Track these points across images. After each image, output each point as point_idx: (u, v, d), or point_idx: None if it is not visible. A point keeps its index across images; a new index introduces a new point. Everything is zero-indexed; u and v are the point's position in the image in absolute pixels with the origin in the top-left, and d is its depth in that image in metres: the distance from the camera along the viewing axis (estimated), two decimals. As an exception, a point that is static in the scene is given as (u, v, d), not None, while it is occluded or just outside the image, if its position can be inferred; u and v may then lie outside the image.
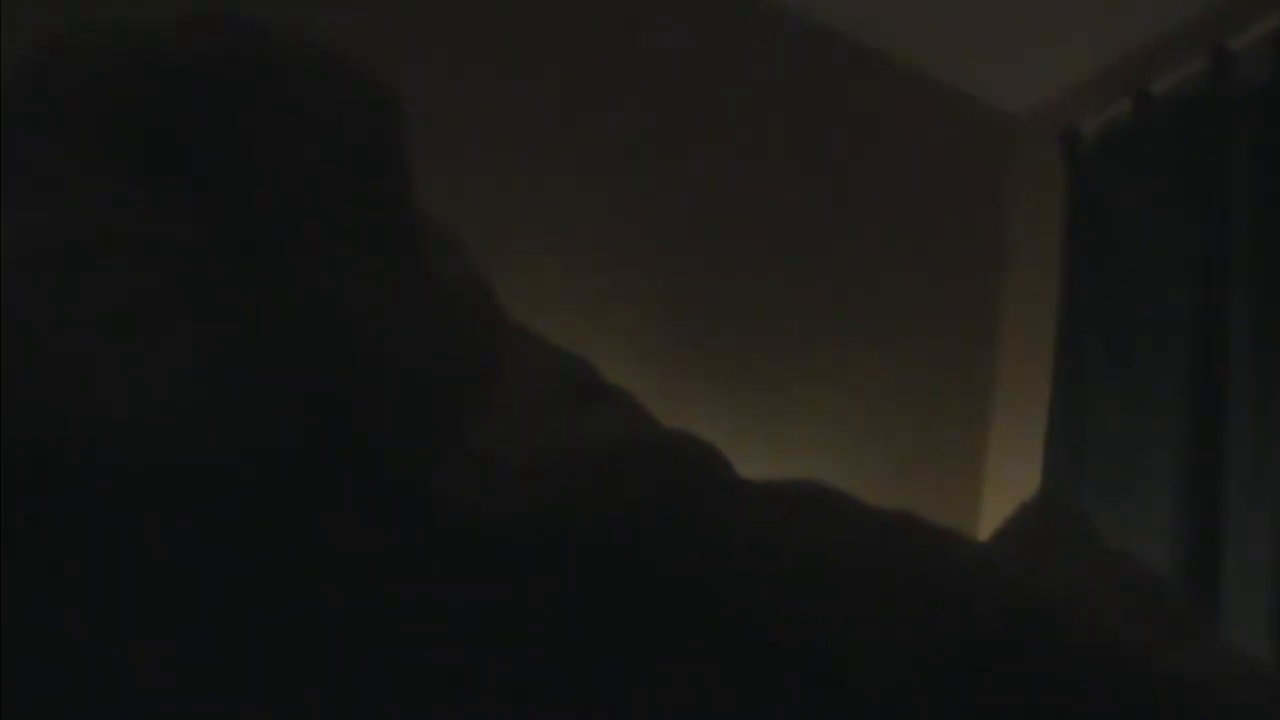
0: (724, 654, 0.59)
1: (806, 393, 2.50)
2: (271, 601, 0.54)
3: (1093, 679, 0.64)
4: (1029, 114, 2.86)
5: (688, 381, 2.38)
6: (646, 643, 0.58)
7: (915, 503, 2.47)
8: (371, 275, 0.64)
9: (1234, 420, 1.99)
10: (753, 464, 2.34)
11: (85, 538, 0.52)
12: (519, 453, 0.64)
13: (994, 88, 2.84)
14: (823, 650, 0.60)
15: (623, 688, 0.57)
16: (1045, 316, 2.56)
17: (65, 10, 1.11)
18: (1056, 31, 2.65)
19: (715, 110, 2.57)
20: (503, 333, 0.81)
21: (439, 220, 0.84)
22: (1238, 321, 2.04)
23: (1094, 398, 2.27)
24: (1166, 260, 2.23)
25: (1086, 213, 2.46)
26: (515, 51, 2.39)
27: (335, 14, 2.11)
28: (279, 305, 0.60)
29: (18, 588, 0.51)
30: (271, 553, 0.55)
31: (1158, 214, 2.29)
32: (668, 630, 0.59)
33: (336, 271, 0.63)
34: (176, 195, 0.64)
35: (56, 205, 0.61)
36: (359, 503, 0.57)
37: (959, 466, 2.62)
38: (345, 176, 0.67)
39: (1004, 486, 2.56)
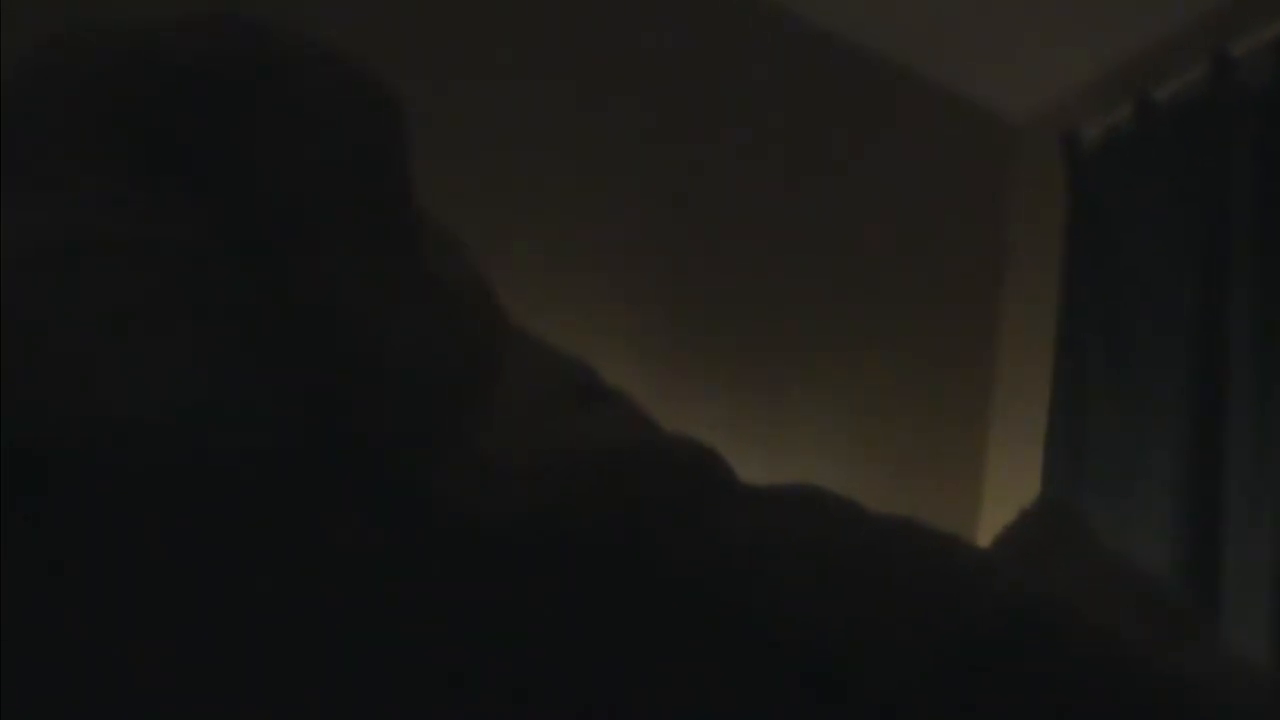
0: (724, 654, 0.59)
1: (806, 395, 2.50)
2: (271, 601, 0.54)
3: (1092, 680, 0.64)
4: (1030, 117, 2.87)
5: (687, 383, 2.38)
6: (646, 643, 0.58)
7: (916, 502, 2.47)
8: (371, 275, 0.64)
9: (1234, 421, 1.99)
10: (752, 465, 2.34)
11: (85, 538, 0.52)
12: (519, 453, 0.64)
13: (995, 91, 2.84)
14: (822, 650, 0.60)
15: (623, 688, 0.57)
16: (1045, 319, 2.56)
17: (65, 10, 1.11)
18: (1057, 35, 2.65)
19: (716, 112, 2.57)
20: (503, 333, 0.81)
21: (439, 220, 0.84)
22: (1238, 324, 2.04)
23: (1094, 399, 2.27)
24: (1167, 263, 2.23)
25: (1087, 216, 2.47)
26: (515, 51, 2.39)
27: (335, 14, 2.11)
28: (279, 305, 0.60)
29: (18, 588, 0.51)
30: (271, 552, 0.55)
31: (1158, 218, 2.29)
32: (667, 630, 0.59)
33: (336, 272, 0.63)
34: (176, 195, 0.64)
35: (57, 205, 0.61)
36: (359, 502, 0.57)
37: (959, 467, 2.62)
38: (345, 176, 0.67)
39: (1004, 487, 2.56)
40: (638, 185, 2.45)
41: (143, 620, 0.52)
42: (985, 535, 2.53)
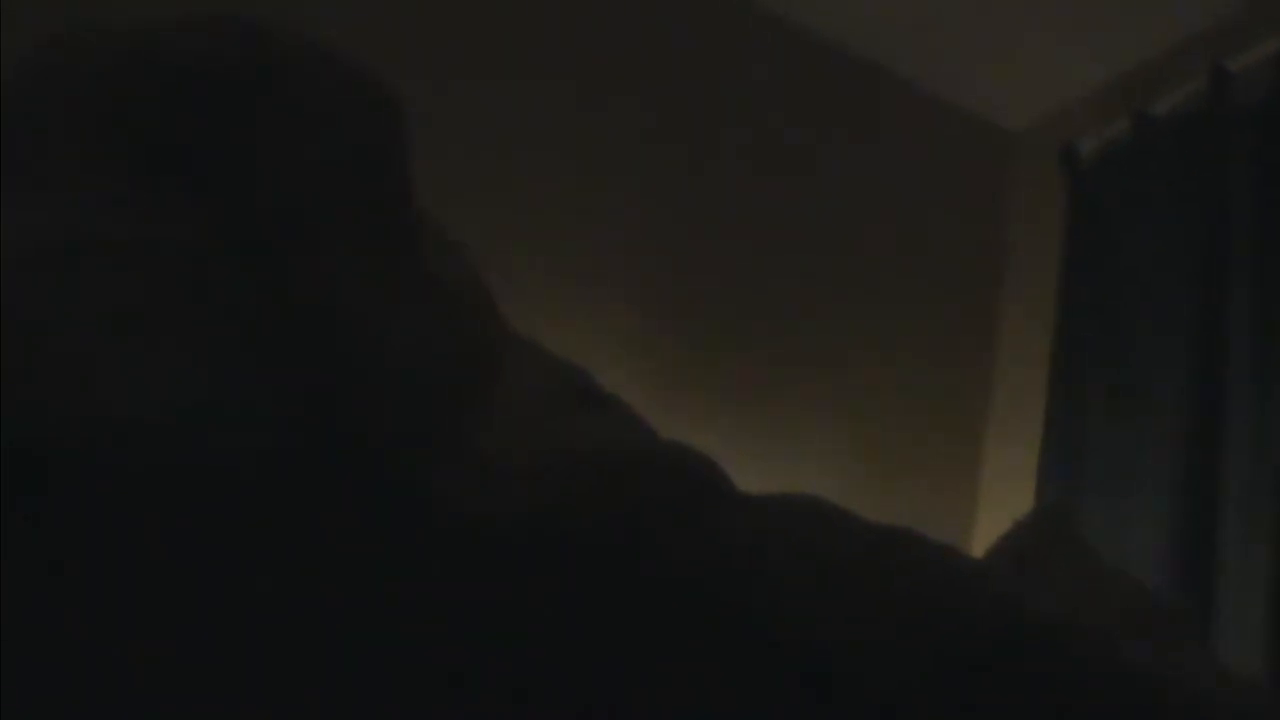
0: (723, 654, 0.59)
1: (804, 399, 2.50)
2: (271, 601, 0.54)
3: (1087, 683, 0.64)
4: (1029, 128, 2.87)
5: (683, 388, 2.37)
6: (646, 643, 0.58)
7: (912, 506, 2.47)
8: (371, 276, 0.64)
9: (1231, 427, 1.99)
10: (749, 470, 2.34)
11: (85, 538, 0.52)
12: (518, 453, 0.64)
13: (995, 101, 2.84)
14: (821, 651, 0.60)
15: (623, 688, 0.57)
16: (1042, 326, 2.57)
17: (65, 10, 1.11)
18: (1057, 47, 2.65)
19: (716, 117, 2.57)
20: (502, 335, 0.81)
21: (439, 221, 0.84)
22: (1236, 333, 2.05)
23: (1091, 406, 2.27)
24: (1165, 274, 2.24)
25: (1085, 226, 2.48)
26: (515, 51, 2.39)
27: (335, 14, 2.11)
28: (278, 305, 0.60)
29: (18, 588, 0.51)
30: (271, 553, 0.55)
31: (1156, 229, 2.30)
32: (667, 631, 0.59)
33: (336, 272, 0.63)
34: (177, 196, 0.64)
35: (57, 205, 0.61)
36: (358, 502, 0.57)
37: (955, 471, 2.62)
38: (346, 177, 0.67)
39: (1000, 492, 2.56)
40: (637, 189, 2.45)
41: (143, 620, 0.52)
42: (981, 538, 2.53)
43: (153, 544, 0.53)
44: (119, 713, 0.51)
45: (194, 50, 0.68)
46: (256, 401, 0.57)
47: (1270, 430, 1.93)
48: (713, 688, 0.58)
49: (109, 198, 0.63)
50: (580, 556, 0.59)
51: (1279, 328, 2.00)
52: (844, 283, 2.61)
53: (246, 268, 0.61)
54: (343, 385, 0.59)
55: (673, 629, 0.59)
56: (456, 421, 0.64)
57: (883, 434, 2.55)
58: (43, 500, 0.52)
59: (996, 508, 2.53)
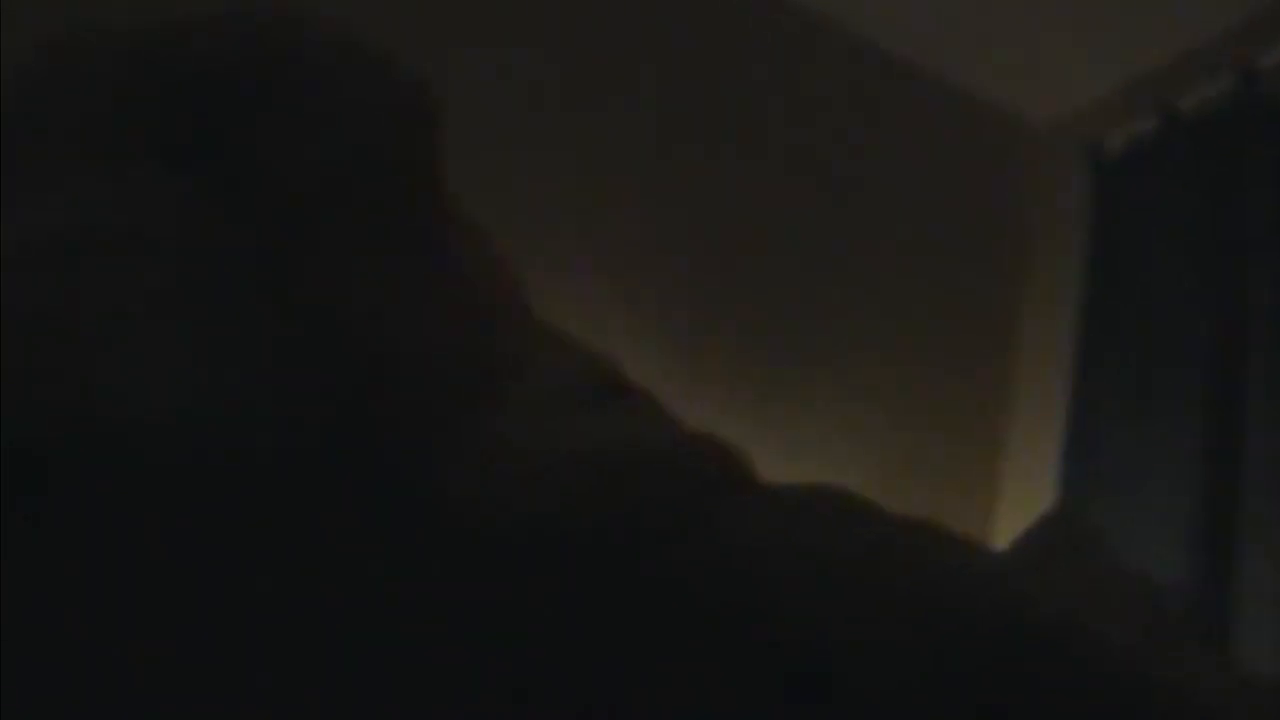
0: (722, 655, 0.59)
1: (825, 398, 2.50)
2: (271, 601, 0.54)
3: (1093, 687, 0.64)
4: (1053, 126, 2.87)
5: (707, 389, 2.38)
6: (647, 643, 0.58)
7: (931, 507, 2.48)
8: (379, 275, 0.64)
9: (1252, 429, 1.99)
10: (766, 471, 2.34)
11: (85, 538, 0.52)
12: (525, 453, 0.64)
13: (1019, 99, 2.84)
14: (820, 651, 0.60)
15: (623, 688, 0.57)
16: (1063, 325, 2.56)
17: (65, 10, 1.11)
18: (1083, 44, 2.65)
19: (730, 116, 2.57)
20: (525, 329, 0.80)
21: (467, 211, 0.83)
22: (1257, 334, 2.04)
23: (1112, 406, 2.27)
24: (1187, 272, 2.23)
25: (1109, 224, 2.47)
26: (516, 52, 2.39)
27: (335, 12, 2.11)
28: (285, 304, 0.60)
29: (18, 588, 0.51)
30: (271, 553, 0.55)
31: (1180, 227, 2.29)
32: (667, 631, 0.59)
33: (342, 271, 0.63)
34: (183, 193, 0.64)
35: (59, 205, 0.61)
36: (359, 503, 0.57)
37: (976, 473, 2.62)
38: (361, 173, 0.67)
39: (1020, 495, 2.56)
40: (667, 189, 2.45)
41: (143, 620, 0.52)
42: (1001, 539, 2.53)
43: (153, 544, 0.53)
44: (119, 713, 0.51)
45: (208, 43, 0.68)
46: (259, 400, 0.57)
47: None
48: (712, 688, 0.58)
49: (113, 196, 0.62)
50: (579, 557, 0.59)
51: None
52: (863, 280, 2.61)
53: (252, 266, 0.61)
54: (347, 385, 0.59)
55: (672, 629, 0.59)
56: (461, 422, 0.64)
57: (902, 434, 2.55)
58: (43, 500, 0.52)
59: (1016, 508, 2.53)
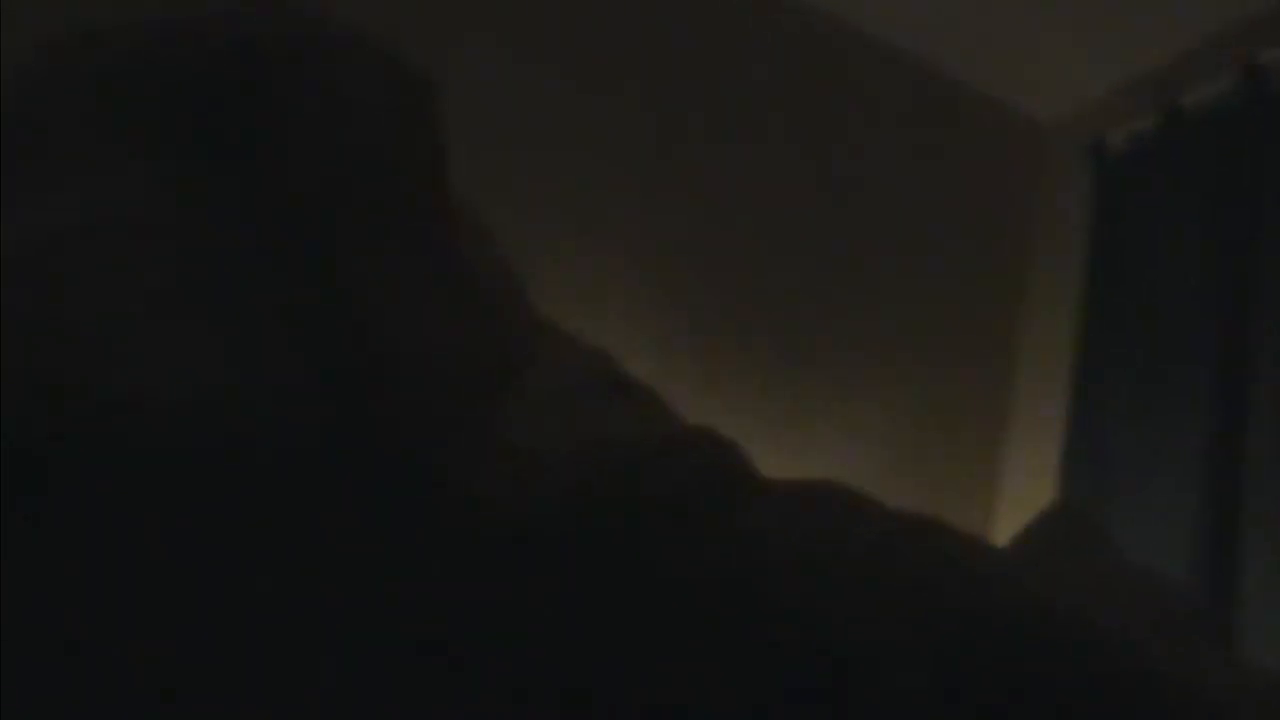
0: (724, 654, 0.59)
1: (828, 394, 2.50)
2: (271, 601, 0.54)
3: (1099, 683, 0.64)
4: (1057, 123, 2.87)
5: (712, 382, 2.38)
6: (647, 642, 0.58)
7: (933, 502, 2.48)
8: (393, 266, 0.64)
9: (1255, 426, 1.98)
10: (769, 469, 2.35)
11: (85, 538, 0.52)
12: (531, 450, 0.64)
13: (1023, 96, 2.84)
14: (824, 650, 0.60)
15: (623, 688, 0.57)
16: (1065, 325, 2.57)
17: (65, 10, 1.11)
18: (1087, 42, 2.65)
19: (730, 112, 2.57)
20: (531, 325, 0.80)
21: (472, 210, 0.83)
22: (1260, 330, 2.04)
23: (1115, 403, 2.27)
24: (1191, 268, 2.23)
25: (1112, 220, 2.47)
26: (515, 51, 2.39)
27: (335, 11, 2.11)
28: (288, 304, 0.60)
29: (18, 588, 0.51)
30: (271, 552, 0.55)
31: (1184, 223, 2.29)
32: (668, 630, 0.59)
33: (357, 263, 0.62)
34: (190, 190, 0.63)
35: (65, 201, 0.61)
36: (360, 501, 0.57)
37: (975, 471, 2.62)
38: (363, 172, 0.67)
39: (1021, 492, 2.56)
40: (672, 191, 2.45)
41: (143, 620, 0.52)
42: (1000, 537, 2.53)
43: (153, 543, 0.53)
44: (119, 713, 0.51)
45: (222, 36, 0.68)
46: (259, 399, 0.57)
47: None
48: (713, 688, 0.58)
49: (113, 195, 0.62)
50: (580, 556, 0.59)
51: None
52: (866, 277, 2.61)
53: (252, 265, 0.61)
54: (348, 384, 0.59)
55: (673, 628, 0.59)
56: (462, 421, 0.64)
57: (903, 432, 2.55)
58: (43, 500, 0.52)
59: (1017, 506, 2.53)
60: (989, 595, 0.64)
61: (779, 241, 2.54)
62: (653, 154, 2.47)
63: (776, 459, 2.37)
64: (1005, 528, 2.52)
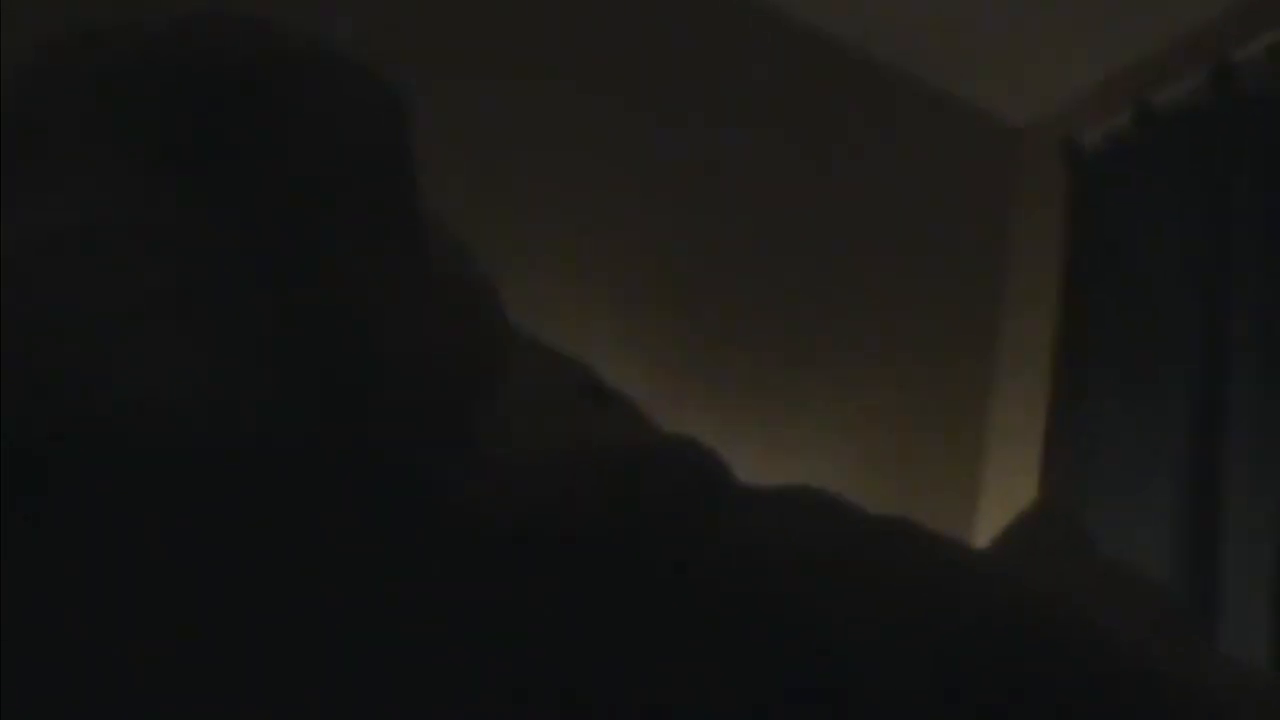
0: (723, 654, 0.59)
1: (806, 396, 2.50)
2: (271, 601, 0.54)
3: (1092, 681, 0.64)
4: (1031, 122, 2.87)
5: (687, 387, 2.38)
6: (647, 643, 0.58)
7: (913, 501, 2.48)
8: (376, 274, 0.64)
9: (1235, 425, 1.99)
10: (751, 467, 2.35)
11: (85, 538, 0.52)
12: (520, 454, 0.64)
13: (997, 96, 2.85)
14: (821, 650, 0.60)
15: (623, 688, 0.57)
16: (1046, 326, 2.57)
17: (65, 10, 1.11)
18: (1060, 41, 2.66)
19: (715, 115, 2.57)
20: (507, 335, 0.81)
21: (444, 222, 0.84)
22: (1239, 327, 2.05)
23: (1095, 402, 2.27)
24: (1168, 267, 2.24)
25: (1088, 220, 2.48)
26: (514, 51, 2.40)
27: (337, 13, 2.11)
28: (283, 305, 0.60)
29: (18, 588, 0.51)
30: (271, 553, 0.55)
31: (1159, 222, 2.30)
32: (667, 631, 0.59)
33: (341, 270, 0.63)
34: (186, 192, 0.64)
35: (66, 201, 0.61)
36: (359, 503, 0.57)
37: (957, 470, 2.62)
38: (352, 176, 0.67)
39: (1002, 491, 2.56)
40: (641, 190, 2.45)
41: (143, 620, 0.52)
42: (981, 536, 2.53)
43: (153, 543, 0.53)
44: (119, 713, 0.51)
45: (203, 48, 0.68)
46: (258, 400, 0.57)
47: (1276, 424, 1.93)
48: (712, 688, 0.58)
49: (113, 196, 0.63)
50: (579, 556, 0.59)
51: (1280, 334, 2.00)
52: (846, 278, 2.62)
53: (251, 266, 0.61)
54: (346, 385, 0.59)
55: (673, 629, 0.59)
56: (460, 421, 0.64)
57: (885, 431, 2.55)
58: (43, 500, 0.52)
59: (998, 504, 2.54)
60: (989, 595, 0.64)
61: (758, 243, 2.54)
62: (652, 154, 2.47)
63: (758, 459, 2.37)
64: (987, 527, 2.52)
